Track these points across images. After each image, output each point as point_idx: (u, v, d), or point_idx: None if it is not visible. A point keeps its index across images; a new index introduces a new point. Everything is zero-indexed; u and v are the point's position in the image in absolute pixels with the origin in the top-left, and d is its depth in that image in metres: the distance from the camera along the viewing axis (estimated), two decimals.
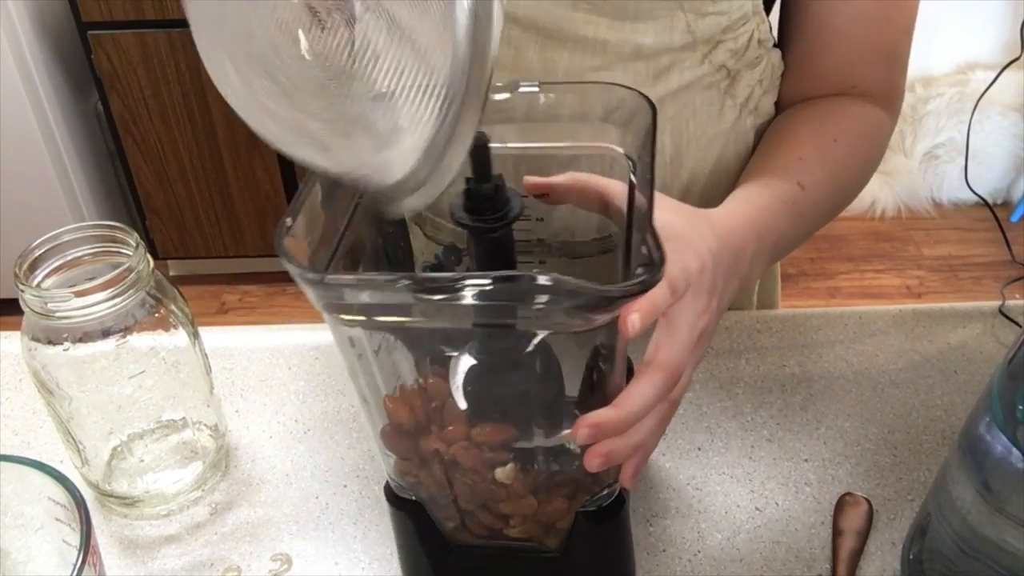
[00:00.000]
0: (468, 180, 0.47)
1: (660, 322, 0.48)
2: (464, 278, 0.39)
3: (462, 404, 0.49)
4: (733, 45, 0.68)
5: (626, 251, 0.46)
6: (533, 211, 0.55)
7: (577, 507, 0.51)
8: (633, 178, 0.50)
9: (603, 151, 0.56)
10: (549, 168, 0.61)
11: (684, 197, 0.73)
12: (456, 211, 0.48)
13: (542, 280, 0.38)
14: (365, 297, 0.42)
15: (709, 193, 0.75)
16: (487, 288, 0.39)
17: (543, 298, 0.40)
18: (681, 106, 0.70)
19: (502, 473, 0.48)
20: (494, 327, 0.47)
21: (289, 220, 0.43)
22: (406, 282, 0.39)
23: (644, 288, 0.39)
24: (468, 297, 0.39)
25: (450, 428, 0.48)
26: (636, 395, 0.45)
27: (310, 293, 0.41)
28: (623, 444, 0.46)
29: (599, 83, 0.55)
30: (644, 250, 0.41)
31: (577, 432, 0.44)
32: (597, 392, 0.49)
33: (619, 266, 0.57)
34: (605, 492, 0.52)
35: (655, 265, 0.39)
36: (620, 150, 0.55)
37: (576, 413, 0.52)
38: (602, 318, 0.42)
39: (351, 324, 0.45)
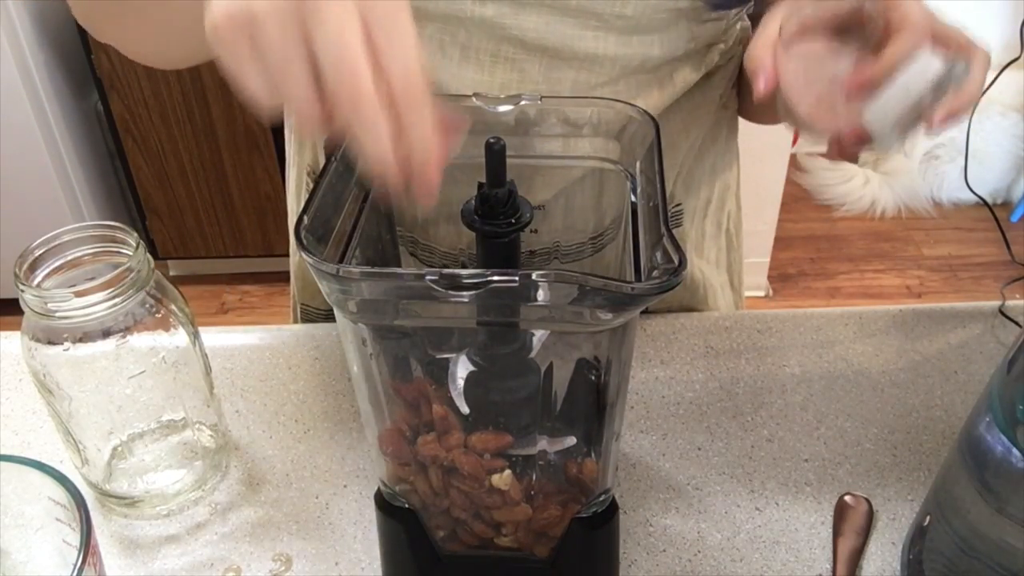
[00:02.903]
0: (481, 184, 0.47)
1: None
2: (488, 274, 0.39)
3: (464, 409, 0.49)
4: (724, 46, 0.69)
5: (634, 254, 0.46)
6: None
7: (571, 514, 0.51)
8: (633, 197, 0.50)
9: (601, 164, 0.56)
10: (546, 180, 0.61)
11: (671, 186, 0.76)
12: (468, 215, 0.48)
13: (567, 276, 0.39)
14: (379, 291, 0.42)
15: (689, 181, 0.77)
16: (510, 285, 0.39)
17: (564, 296, 0.40)
18: (677, 109, 0.70)
19: (499, 480, 0.48)
20: (506, 326, 0.47)
21: (306, 217, 0.44)
22: (430, 277, 0.39)
23: (666, 288, 0.39)
24: (488, 294, 0.39)
25: (449, 433, 0.48)
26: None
27: (324, 286, 0.41)
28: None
29: (600, 98, 0.55)
30: (659, 255, 0.42)
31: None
32: (596, 399, 0.49)
33: (619, 267, 0.57)
34: (601, 498, 0.52)
35: (678, 267, 0.40)
36: (618, 165, 0.55)
37: (574, 420, 0.52)
38: (617, 319, 0.42)
39: (358, 319, 0.45)
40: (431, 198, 0.40)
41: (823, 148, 0.60)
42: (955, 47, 0.54)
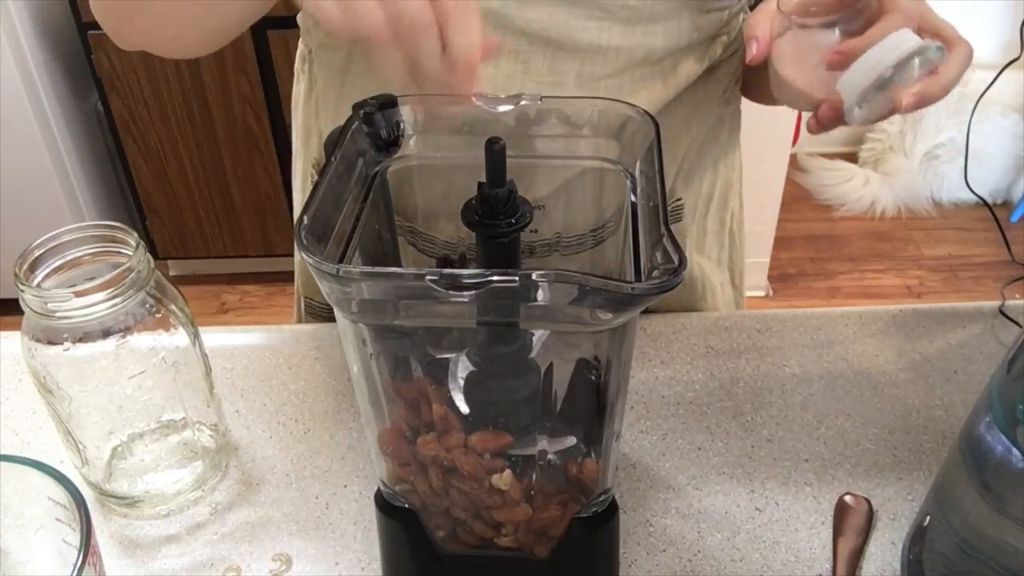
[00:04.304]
0: (481, 184, 0.47)
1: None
2: (488, 274, 0.39)
3: (464, 409, 0.49)
4: (727, 39, 0.70)
5: (634, 254, 0.46)
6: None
7: (571, 515, 0.51)
8: (633, 197, 0.50)
9: (601, 163, 0.56)
10: (546, 178, 0.62)
11: (671, 181, 0.76)
12: (468, 214, 0.48)
13: (567, 277, 0.39)
14: (379, 291, 0.42)
15: (690, 177, 0.77)
16: (510, 285, 0.39)
17: (564, 296, 0.40)
18: (680, 103, 0.70)
19: (499, 480, 0.48)
20: (506, 326, 0.47)
21: (306, 217, 0.44)
22: (430, 277, 0.39)
23: (666, 288, 0.39)
24: (488, 294, 0.39)
25: (449, 433, 0.48)
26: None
27: (324, 286, 0.41)
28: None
29: (600, 98, 0.56)
30: (659, 255, 0.42)
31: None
32: (596, 399, 0.49)
33: (619, 265, 0.57)
34: (601, 498, 0.52)
35: (678, 267, 0.40)
36: (618, 164, 0.55)
37: (574, 420, 0.52)
38: (617, 319, 0.42)
39: (358, 319, 0.45)
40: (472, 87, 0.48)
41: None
42: (940, 37, 0.55)
